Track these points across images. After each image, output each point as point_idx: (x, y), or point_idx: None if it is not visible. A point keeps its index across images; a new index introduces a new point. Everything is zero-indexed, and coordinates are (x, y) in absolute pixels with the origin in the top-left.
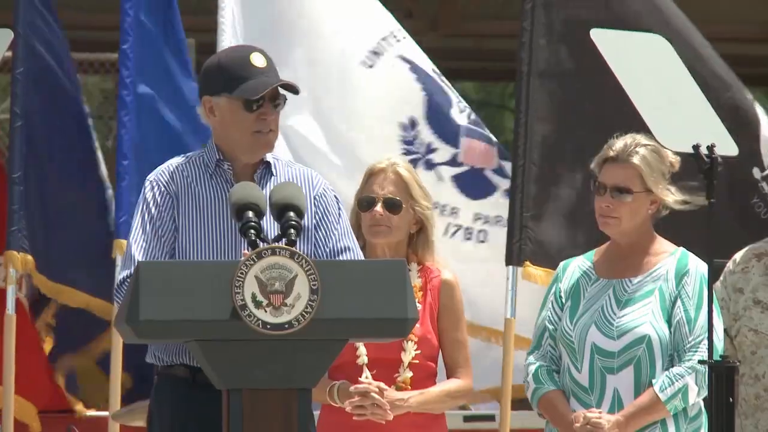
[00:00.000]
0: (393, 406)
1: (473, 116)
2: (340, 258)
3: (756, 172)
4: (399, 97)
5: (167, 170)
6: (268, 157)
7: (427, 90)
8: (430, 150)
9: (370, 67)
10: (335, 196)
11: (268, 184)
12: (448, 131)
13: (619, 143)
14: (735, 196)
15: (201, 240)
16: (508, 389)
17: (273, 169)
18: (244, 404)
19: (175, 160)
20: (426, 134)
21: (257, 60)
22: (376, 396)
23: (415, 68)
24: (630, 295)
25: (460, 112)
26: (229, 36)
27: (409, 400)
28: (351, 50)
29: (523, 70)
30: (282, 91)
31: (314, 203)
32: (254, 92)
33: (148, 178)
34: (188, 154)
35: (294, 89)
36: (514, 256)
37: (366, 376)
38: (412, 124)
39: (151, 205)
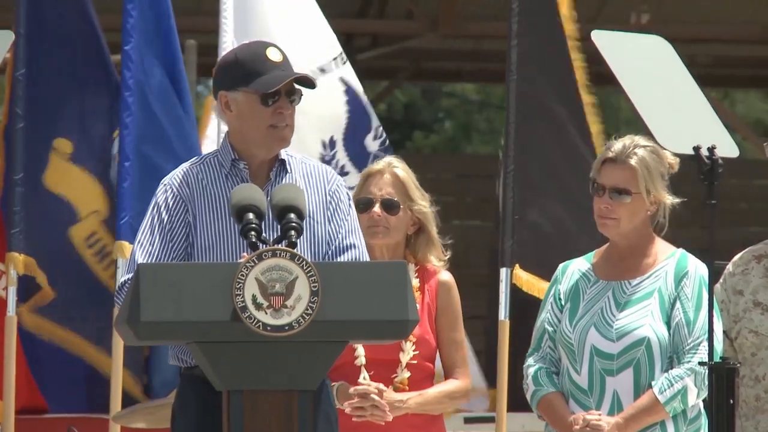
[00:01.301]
0: (392, 407)
1: (387, 143)
2: (345, 255)
3: None
4: (327, 116)
5: (180, 173)
6: (283, 154)
7: (351, 113)
8: (343, 173)
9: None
10: (347, 193)
11: (282, 181)
12: (360, 156)
13: (617, 144)
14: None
15: (218, 240)
16: (504, 391)
17: (288, 166)
18: (244, 406)
19: (189, 163)
20: (341, 156)
21: (273, 54)
22: (375, 397)
23: (349, 91)
24: (629, 297)
25: (374, 139)
26: (230, 37)
27: (408, 401)
28: (301, 61)
29: (512, 70)
30: (297, 85)
31: (328, 197)
32: (270, 85)
33: (162, 181)
34: (202, 155)
35: (311, 83)
36: (507, 259)
37: (363, 377)
38: (332, 143)
39: (162, 209)
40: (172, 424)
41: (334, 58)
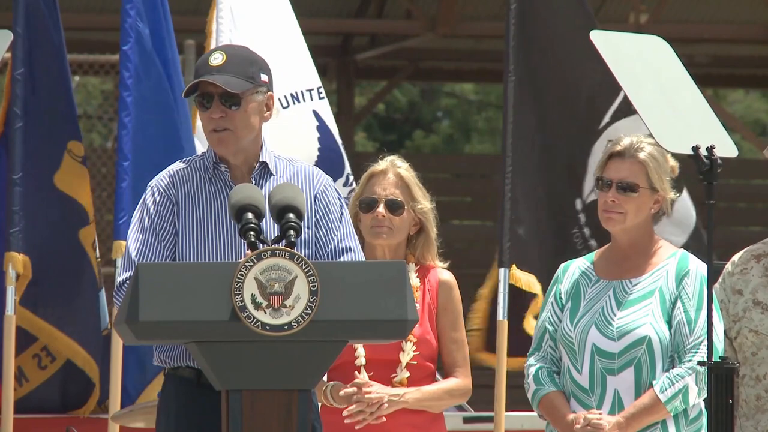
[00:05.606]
0: (388, 401)
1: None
2: (341, 259)
3: (578, 203)
4: (294, 146)
5: (167, 175)
6: (266, 156)
7: (321, 150)
8: None
9: (284, 107)
10: (338, 195)
11: (267, 183)
12: None
13: (625, 140)
14: (557, 224)
15: (201, 243)
16: (502, 391)
17: (273, 168)
18: (243, 405)
19: (176, 165)
20: None
21: (213, 59)
22: (370, 389)
23: (321, 127)
24: (630, 296)
25: (344, 185)
26: (227, 37)
27: (404, 396)
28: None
29: (510, 70)
30: (234, 89)
31: (314, 201)
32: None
33: (149, 183)
34: (189, 157)
35: (226, 90)
36: (504, 259)
37: (362, 376)
38: None
39: (151, 208)
40: (156, 423)
41: (309, 90)
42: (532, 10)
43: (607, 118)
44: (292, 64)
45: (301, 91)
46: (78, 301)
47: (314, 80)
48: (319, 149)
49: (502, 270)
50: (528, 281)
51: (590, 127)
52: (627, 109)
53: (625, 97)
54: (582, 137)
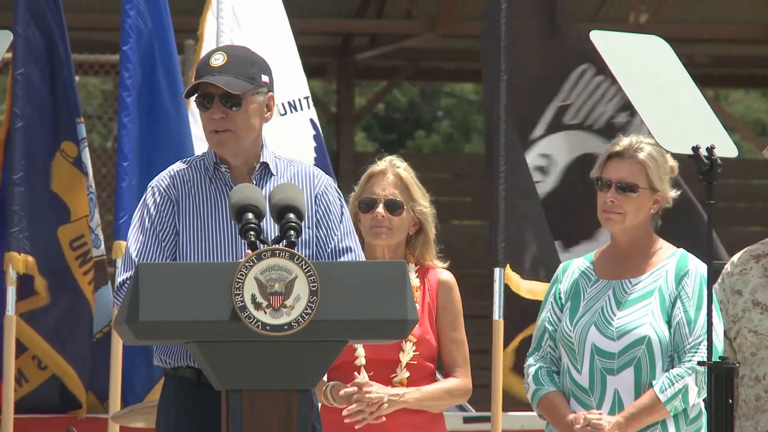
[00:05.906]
0: (388, 401)
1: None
2: (342, 259)
3: None
4: (293, 154)
5: (168, 175)
6: (267, 157)
7: (316, 160)
8: None
9: (282, 114)
10: (338, 195)
11: (267, 184)
12: None
13: (624, 140)
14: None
15: (201, 243)
16: (499, 390)
17: (273, 169)
18: (243, 405)
19: (176, 165)
20: None
21: (214, 59)
22: (370, 389)
23: (317, 137)
24: (630, 296)
25: None
26: (228, 38)
27: (404, 396)
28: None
29: (502, 69)
30: (235, 90)
31: (315, 202)
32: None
33: (149, 184)
34: (190, 158)
35: (227, 91)
36: (500, 259)
37: (362, 376)
38: None
39: (151, 209)
40: (156, 422)
41: (306, 97)
42: (510, 12)
43: (540, 131)
44: (288, 71)
45: (298, 99)
46: (55, 302)
47: (306, 88)
48: (315, 158)
49: (497, 270)
50: (517, 282)
51: (521, 137)
52: (558, 124)
53: (558, 110)
54: (514, 146)
